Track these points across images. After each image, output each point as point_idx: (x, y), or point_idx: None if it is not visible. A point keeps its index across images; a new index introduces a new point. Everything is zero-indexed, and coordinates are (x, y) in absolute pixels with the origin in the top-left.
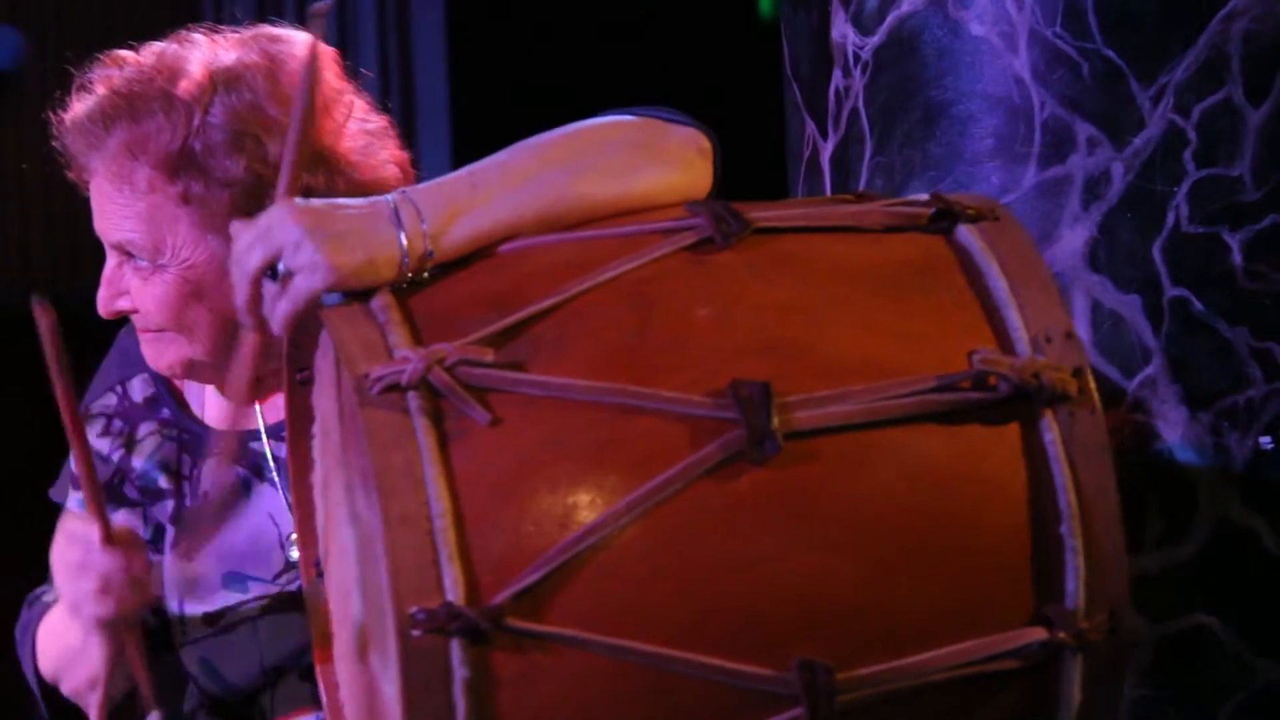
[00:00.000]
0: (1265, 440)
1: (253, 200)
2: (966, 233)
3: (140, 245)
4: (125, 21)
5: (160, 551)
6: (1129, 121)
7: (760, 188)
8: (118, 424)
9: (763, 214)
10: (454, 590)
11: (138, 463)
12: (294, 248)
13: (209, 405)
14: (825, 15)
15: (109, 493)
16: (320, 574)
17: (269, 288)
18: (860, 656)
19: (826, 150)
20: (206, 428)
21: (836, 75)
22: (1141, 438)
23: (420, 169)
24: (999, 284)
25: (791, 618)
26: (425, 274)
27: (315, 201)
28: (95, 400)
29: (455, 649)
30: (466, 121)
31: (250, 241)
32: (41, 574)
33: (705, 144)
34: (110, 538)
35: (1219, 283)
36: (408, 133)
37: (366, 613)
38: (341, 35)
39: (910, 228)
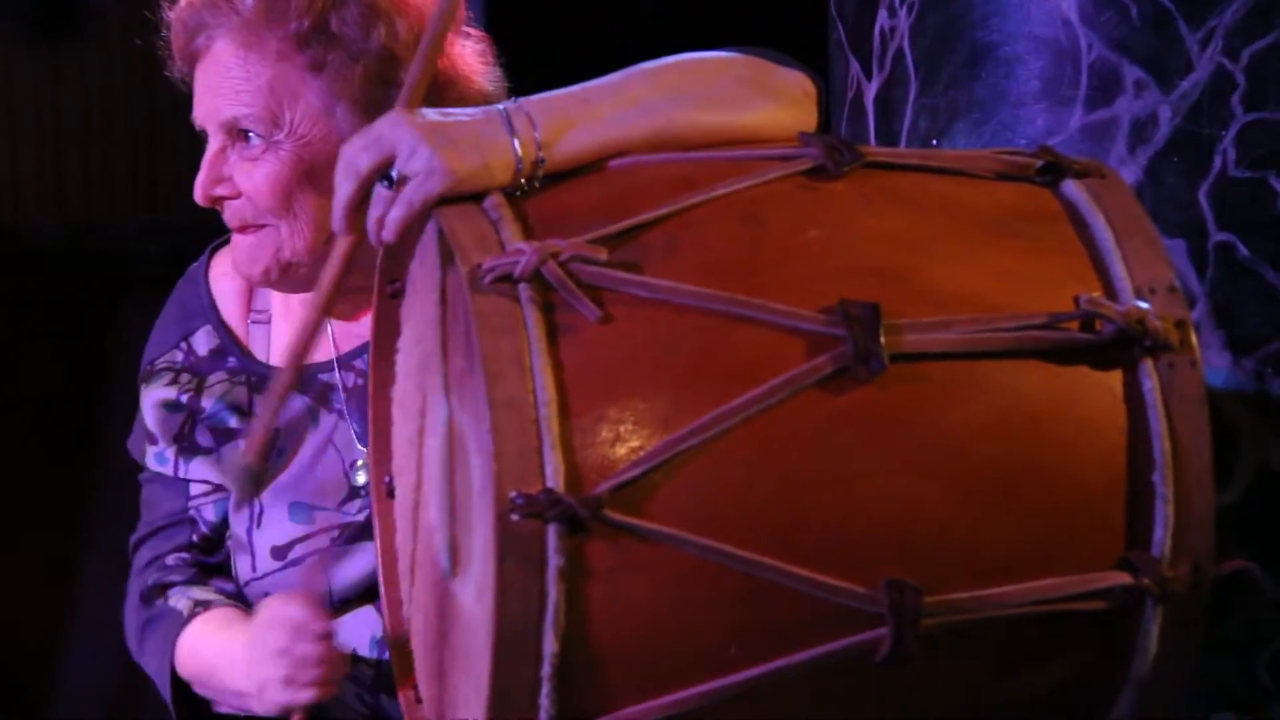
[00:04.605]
0: None
1: (384, 74)
2: (1073, 187)
3: (257, 118)
4: None
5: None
6: (1177, 64)
7: None
8: (185, 376)
9: (873, 150)
10: (555, 478)
11: (208, 403)
12: (410, 153)
13: (274, 346)
14: None
15: (180, 442)
16: (391, 492)
17: (379, 193)
18: (946, 582)
19: (870, 91)
20: (274, 369)
21: (882, 15)
22: None
23: None
24: (1105, 235)
25: (882, 537)
26: (536, 183)
27: (427, 111)
28: (160, 357)
29: (552, 535)
30: (505, 49)
31: (362, 145)
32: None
33: (810, 87)
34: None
35: (1265, 228)
36: None
37: (447, 519)
38: None
39: (1018, 177)
